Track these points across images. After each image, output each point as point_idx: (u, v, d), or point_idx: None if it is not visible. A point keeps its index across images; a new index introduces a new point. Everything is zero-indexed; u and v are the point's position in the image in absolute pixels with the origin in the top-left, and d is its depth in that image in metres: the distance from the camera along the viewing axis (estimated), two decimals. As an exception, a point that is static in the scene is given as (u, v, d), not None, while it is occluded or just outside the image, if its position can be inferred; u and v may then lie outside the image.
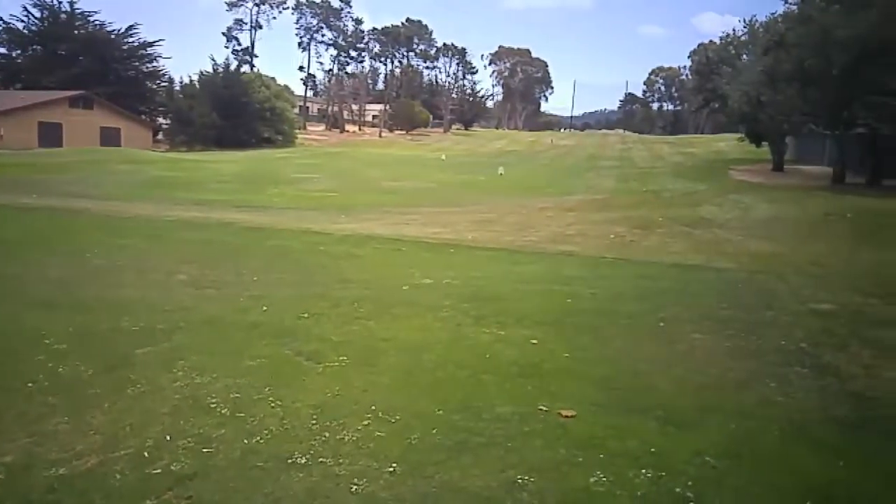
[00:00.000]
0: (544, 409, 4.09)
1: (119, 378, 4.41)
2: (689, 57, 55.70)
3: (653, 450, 3.58)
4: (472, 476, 3.27)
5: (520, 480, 3.23)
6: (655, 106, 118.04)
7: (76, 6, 57.98)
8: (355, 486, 3.14)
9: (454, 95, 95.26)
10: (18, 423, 3.72)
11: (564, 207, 19.01)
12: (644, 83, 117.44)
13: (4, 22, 55.98)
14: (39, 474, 3.19)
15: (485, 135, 77.68)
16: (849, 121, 23.13)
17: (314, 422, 3.82)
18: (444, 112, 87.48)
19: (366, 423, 3.82)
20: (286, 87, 68.90)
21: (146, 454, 3.39)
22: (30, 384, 4.26)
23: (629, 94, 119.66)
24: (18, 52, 57.80)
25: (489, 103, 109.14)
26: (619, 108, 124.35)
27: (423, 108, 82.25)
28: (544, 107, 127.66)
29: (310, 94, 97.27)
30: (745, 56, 32.18)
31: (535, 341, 5.52)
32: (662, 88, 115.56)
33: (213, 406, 3.99)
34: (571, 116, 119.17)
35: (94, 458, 3.35)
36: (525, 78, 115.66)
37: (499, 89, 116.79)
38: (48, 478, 3.16)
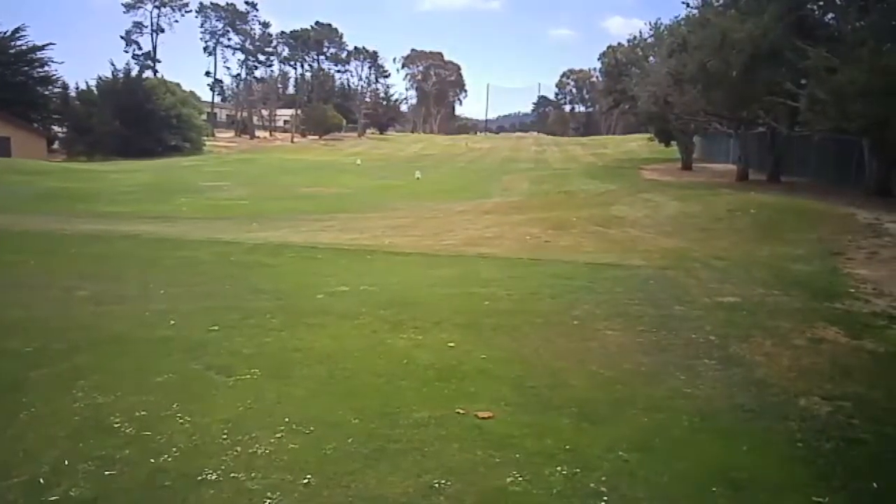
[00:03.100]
0: (461, 411, 4.13)
1: (10, 402, 4.14)
2: (599, 59, 57.62)
3: (568, 447, 3.68)
4: (389, 483, 3.26)
5: (437, 484, 3.25)
6: (568, 108, 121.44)
7: (-44, 9, 53.57)
8: (269, 501, 3.08)
9: (367, 99, 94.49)
10: None
11: (481, 210, 19.29)
12: (556, 86, 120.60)
13: None
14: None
15: (400, 139, 77.65)
16: (750, 120, 24.65)
17: (225, 437, 3.71)
18: (357, 116, 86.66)
19: (279, 435, 3.74)
20: (192, 92, 66.42)
21: (42, 480, 3.21)
22: None
23: (542, 96, 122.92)
24: None
25: (403, 107, 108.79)
26: (532, 110, 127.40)
27: (336, 112, 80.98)
28: (459, 110, 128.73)
29: (217, 99, 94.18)
30: (651, 58, 33.60)
31: (452, 344, 5.56)
32: (574, 91, 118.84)
33: (116, 426, 3.81)
34: (486, 119, 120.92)
35: (-17, 488, 3.14)
36: (439, 81, 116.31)
37: (413, 93, 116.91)
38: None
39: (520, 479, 3.33)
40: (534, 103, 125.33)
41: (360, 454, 3.55)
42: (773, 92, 19.37)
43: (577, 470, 3.43)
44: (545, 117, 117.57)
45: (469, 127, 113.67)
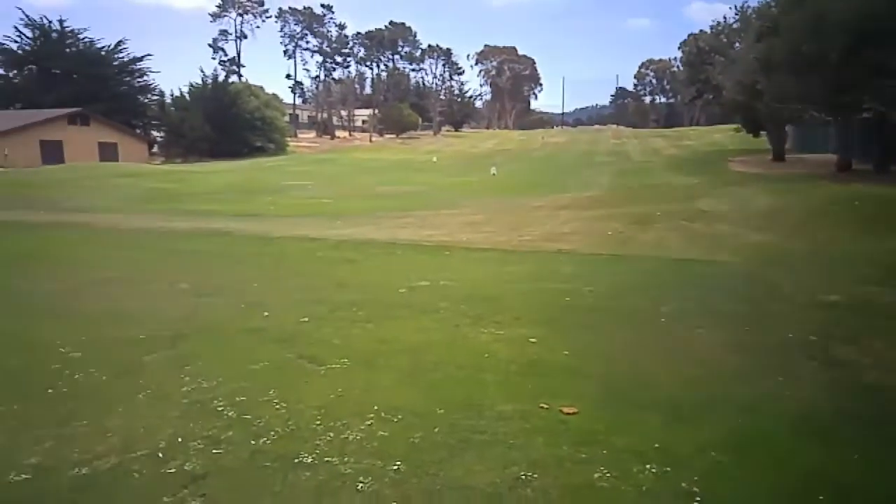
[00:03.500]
0: (545, 406, 4.13)
1: (130, 384, 4.50)
2: (679, 48, 55.65)
3: (656, 445, 3.61)
4: (476, 473, 3.31)
5: (523, 477, 3.27)
6: (648, 99, 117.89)
7: (66, 24, 58.48)
8: (361, 485, 3.20)
9: (442, 97, 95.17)
10: (42, 426, 3.83)
11: (559, 205, 19.06)
12: (635, 77, 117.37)
13: (-1, 43, 56.44)
14: (65, 474, 3.29)
15: (475, 135, 77.68)
16: (852, 106, 22.75)
17: (318, 422, 3.88)
18: (432, 114, 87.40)
19: (369, 422, 3.88)
20: (275, 95, 68.83)
21: (160, 455, 3.49)
22: (49, 390, 4.38)
23: (620, 88, 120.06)
24: (15, 72, 58.40)
25: (478, 103, 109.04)
26: (610, 102, 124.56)
27: (411, 110, 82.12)
28: (534, 104, 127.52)
29: (298, 101, 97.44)
30: (737, 44, 32.06)
31: (533, 340, 5.57)
32: (654, 81, 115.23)
33: (220, 409, 4.07)
34: (563, 113, 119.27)
35: (114, 458, 3.45)
36: (513, 76, 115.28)
37: (487, 89, 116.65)
38: (72, 477, 3.26)
39: (607, 475, 3.30)
40: (612, 95, 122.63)
41: (447, 444, 3.62)
42: (882, 73, 17.67)
43: (668, 469, 3.35)
44: (624, 109, 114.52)
45: (545, 121, 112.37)
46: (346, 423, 3.86)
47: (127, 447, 3.57)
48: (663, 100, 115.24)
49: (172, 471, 3.32)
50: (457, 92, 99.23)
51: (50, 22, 58.15)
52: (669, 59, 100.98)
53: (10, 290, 7.60)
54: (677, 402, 4.24)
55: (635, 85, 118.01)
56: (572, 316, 6.46)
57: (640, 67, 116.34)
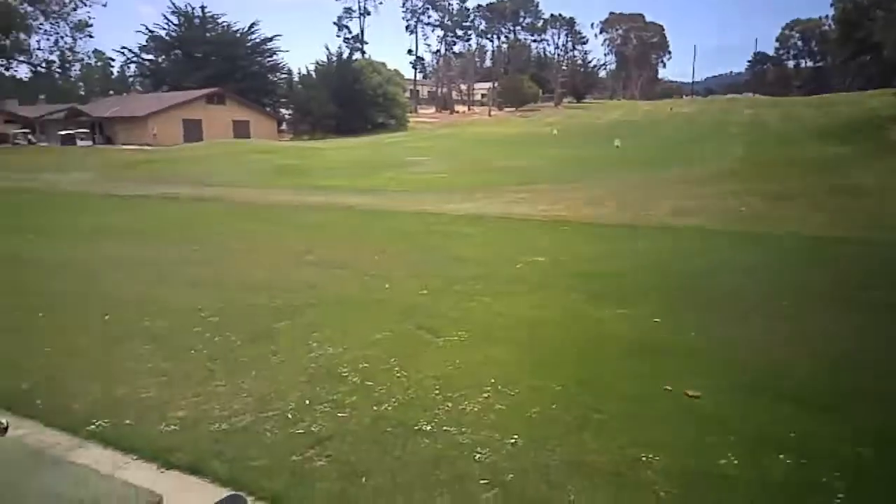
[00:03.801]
0: (668, 388, 3.97)
1: (263, 348, 4.83)
2: (832, 4, 49.84)
3: (791, 434, 3.39)
4: (594, 451, 3.26)
5: (644, 458, 3.18)
6: (791, 64, 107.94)
7: (207, 10, 63.39)
8: (479, 455, 3.24)
9: (564, 67, 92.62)
10: (186, 383, 4.21)
11: (687, 179, 18.03)
12: (777, 40, 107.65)
13: (150, 31, 62.96)
14: (206, 428, 3.59)
15: (598, 106, 74.87)
16: None
17: (437, 392, 3.97)
18: (554, 85, 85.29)
19: (486, 395, 3.91)
20: (396, 71, 70.08)
21: (289, 416, 3.71)
22: (192, 351, 4.81)
23: (759, 53, 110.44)
24: (163, 57, 64.53)
25: (602, 73, 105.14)
26: (746, 69, 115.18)
27: (531, 82, 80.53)
28: (662, 73, 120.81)
29: (419, 76, 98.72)
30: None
31: (657, 320, 5.37)
32: (799, 44, 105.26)
33: (344, 375, 4.27)
34: (693, 82, 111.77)
35: (248, 416, 3.72)
36: (640, 44, 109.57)
37: (611, 58, 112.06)
38: (213, 432, 3.56)
39: (735, 462, 3.13)
40: (749, 61, 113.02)
41: (564, 421, 3.59)
42: None
43: (804, 461, 3.13)
44: (762, 76, 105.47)
45: (673, 90, 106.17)
46: (463, 395, 3.92)
47: (260, 407, 3.83)
48: (809, 64, 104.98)
49: (301, 432, 3.53)
50: (579, 62, 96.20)
51: (193, 9, 63.41)
52: (819, 19, 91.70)
53: (158, 260, 8.34)
54: (811, 390, 3.96)
55: (777, 49, 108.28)
56: (700, 296, 6.15)
57: (783, 29, 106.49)
